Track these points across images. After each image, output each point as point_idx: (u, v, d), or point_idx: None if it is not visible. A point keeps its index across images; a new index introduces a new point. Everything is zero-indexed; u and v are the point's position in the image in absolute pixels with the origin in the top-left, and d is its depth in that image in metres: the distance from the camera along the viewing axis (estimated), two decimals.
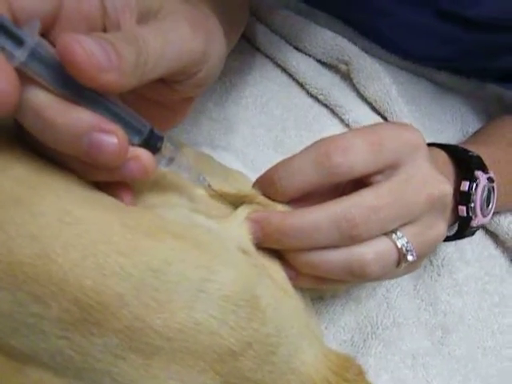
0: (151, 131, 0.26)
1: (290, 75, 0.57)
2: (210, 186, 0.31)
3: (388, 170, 0.30)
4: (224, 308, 0.25)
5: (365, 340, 0.41)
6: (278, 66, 0.58)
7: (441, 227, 0.33)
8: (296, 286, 0.32)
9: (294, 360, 0.28)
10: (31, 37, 0.22)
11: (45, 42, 0.23)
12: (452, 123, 0.62)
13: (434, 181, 0.31)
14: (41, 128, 0.24)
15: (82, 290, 0.22)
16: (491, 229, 0.51)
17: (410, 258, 0.30)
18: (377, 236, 0.30)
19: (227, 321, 0.25)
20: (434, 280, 0.47)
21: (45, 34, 0.25)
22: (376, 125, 0.32)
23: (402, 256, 0.30)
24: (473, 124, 0.62)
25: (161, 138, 0.27)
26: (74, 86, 0.23)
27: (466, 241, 0.48)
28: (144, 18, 0.29)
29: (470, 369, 0.43)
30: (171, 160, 0.28)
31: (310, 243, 0.29)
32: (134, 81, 0.24)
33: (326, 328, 0.41)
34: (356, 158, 0.29)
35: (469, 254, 0.49)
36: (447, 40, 0.66)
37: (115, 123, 0.24)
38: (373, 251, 0.29)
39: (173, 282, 0.24)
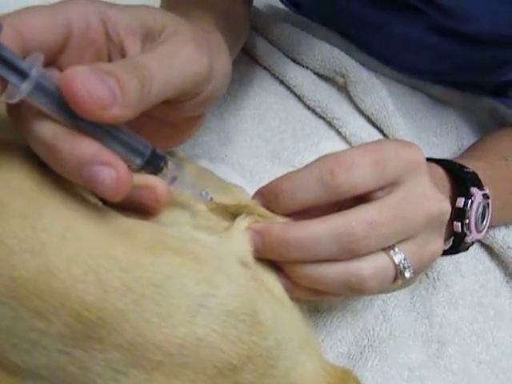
0: (153, 152, 0.27)
1: (288, 87, 0.57)
2: (212, 199, 0.31)
3: (389, 186, 0.31)
4: (225, 322, 0.25)
5: (361, 352, 0.40)
6: (276, 78, 0.58)
7: (438, 244, 0.33)
8: (293, 298, 0.31)
9: (293, 373, 0.28)
10: (36, 69, 0.23)
11: (48, 74, 0.24)
12: (447, 136, 0.63)
13: (434, 199, 0.32)
14: (47, 156, 0.24)
15: (84, 306, 0.22)
16: (486, 242, 0.51)
17: (407, 274, 0.30)
18: (375, 251, 0.30)
19: (228, 335, 0.25)
20: (429, 293, 0.47)
21: (54, 60, 0.26)
22: (379, 142, 0.32)
23: (398, 272, 0.30)
24: (468, 137, 0.63)
25: (163, 158, 0.27)
26: (75, 114, 0.23)
27: (461, 254, 0.47)
28: (148, 38, 0.29)
29: (465, 382, 0.42)
30: (174, 178, 0.29)
31: (310, 255, 0.29)
32: (138, 110, 0.24)
33: (322, 340, 0.40)
34: (359, 177, 0.29)
35: (464, 267, 0.50)
36: (442, 54, 0.67)
37: (116, 147, 0.25)
38: (371, 266, 0.29)
39: (174, 297, 0.24)
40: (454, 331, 0.45)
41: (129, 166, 0.26)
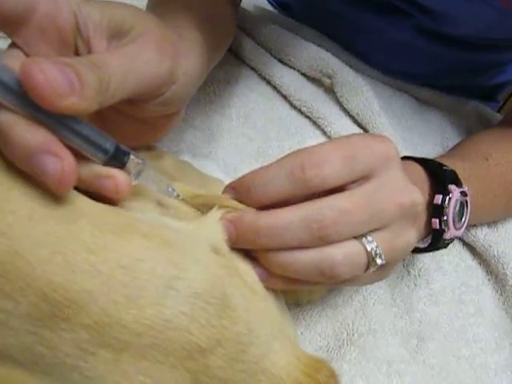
0: (117, 147, 0.27)
1: (275, 87, 0.58)
2: (179, 196, 0.31)
3: (361, 180, 0.31)
4: (194, 305, 0.25)
5: (340, 346, 0.40)
6: (263, 78, 0.59)
7: (410, 235, 0.33)
8: (269, 289, 0.32)
9: (265, 361, 0.28)
10: None
11: (7, 66, 0.24)
12: (432, 137, 0.64)
13: (405, 190, 0.32)
14: (1, 143, 0.25)
15: (51, 286, 0.23)
16: (468, 241, 0.52)
17: (378, 261, 0.31)
18: (347, 239, 0.30)
19: (197, 318, 0.25)
20: (410, 289, 0.47)
21: (14, 31, 0.26)
22: (350, 136, 0.33)
23: (371, 259, 0.31)
24: (452, 138, 0.64)
25: (127, 153, 0.28)
26: (36, 107, 0.23)
27: (443, 252, 0.49)
28: (115, 37, 0.30)
29: (444, 377, 0.43)
30: (139, 173, 0.29)
31: (281, 243, 0.29)
32: (95, 105, 0.25)
33: (302, 334, 0.41)
34: (329, 171, 0.29)
35: (446, 264, 0.50)
36: (429, 57, 0.68)
37: (78, 141, 0.25)
38: (342, 252, 0.30)
39: (142, 278, 0.24)
40: (433, 327, 0.45)
41: (94, 161, 0.27)
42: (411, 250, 0.35)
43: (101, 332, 0.23)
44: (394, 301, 0.46)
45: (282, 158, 0.31)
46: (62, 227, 0.24)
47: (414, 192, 0.33)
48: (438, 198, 0.39)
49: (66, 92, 0.23)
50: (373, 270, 0.32)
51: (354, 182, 0.31)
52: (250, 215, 0.31)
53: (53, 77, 0.22)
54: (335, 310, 0.43)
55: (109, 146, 0.27)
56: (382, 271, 0.34)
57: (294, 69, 0.60)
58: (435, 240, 0.41)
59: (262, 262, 0.31)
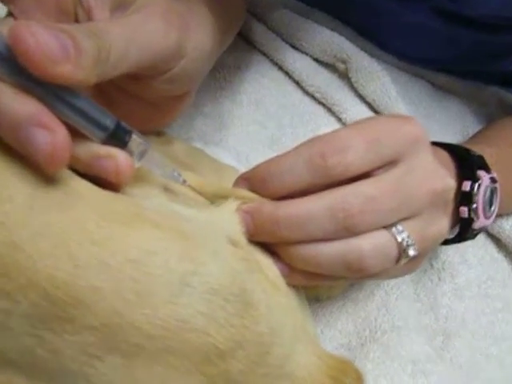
0: (118, 125, 0.25)
1: (287, 73, 0.56)
2: (185, 181, 0.29)
3: (387, 166, 0.29)
4: (211, 303, 0.23)
5: (363, 344, 0.39)
6: (274, 63, 0.56)
7: (443, 223, 0.31)
8: (290, 284, 0.30)
9: (289, 363, 0.26)
10: None
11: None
12: (451, 125, 0.61)
13: (437, 175, 0.30)
14: None
15: (53, 283, 0.20)
16: (493, 232, 0.50)
17: (411, 252, 0.29)
18: (375, 229, 0.28)
19: (215, 317, 0.23)
20: (434, 284, 0.45)
21: (10, 1, 0.24)
22: (372, 119, 0.31)
23: (402, 251, 0.29)
24: (472, 126, 0.61)
25: (129, 132, 0.26)
26: (26, 75, 0.21)
27: (467, 244, 0.47)
28: (118, 8, 0.28)
29: (472, 377, 0.41)
30: (142, 155, 0.27)
31: (304, 234, 0.28)
32: (94, 76, 0.23)
33: (321, 331, 0.39)
34: (352, 158, 0.28)
35: (471, 257, 0.48)
36: (446, 41, 0.65)
37: (74, 117, 0.23)
38: (370, 243, 0.28)
39: (155, 274, 0.22)
40: (460, 324, 0.43)
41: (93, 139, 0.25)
42: (443, 239, 0.33)
43: (109, 334, 0.21)
44: (418, 296, 0.44)
45: (300, 145, 0.29)
46: (64, 216, 0.22)
47: (445, 176, 0.31)
48: (467, 185, 0.37)
49: (60, 58, 0.21)
50: (404, 263, 0.29)
51: (379, 168, 0.29)
52: (269, 205, 0.29)
53: (45, 41, 0.20)
54: (356, 306, 0.41)
55: (109, 122, 0.25)
56: (413, 264, 0.31)
57: (307, 54, 0.58)
58: (463, 230, 0.38)
59: (283, 255, 0.29)
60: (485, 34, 0.63)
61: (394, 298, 0.42)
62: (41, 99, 0.22)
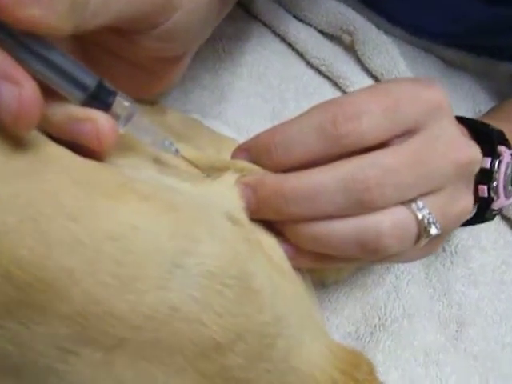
0: (100, 85, 0.23)
1: (290, 45, 0.54)
2: (178, 151, 0.26)
3: (406, 134, 0.27)
4: (207, 288, 0.20)
5: (372, 333, 0.37)
6: (277, 34, 0.54)
7: (467, 199, 0.29)
8: (296, 267, 0.27)
9: (295, 357, 0.23)
10: None
11: None
12: (463, 102, 0.59)
13: (461, 145, 0.28)
14: None
15: (18, 263, 0.18)
16: (508, 215, 0.47)
17: (433, 231, 0.26)
18: (394, 204, 0.26)
19: (212, 304, 0.20)
20: (447, 268, 0.43)
21: None
22: (389, 83, 0.28)
23: (422, 229, 0.26)
24: (485, 103, 0.59)
25: (112, 93, 0.23)
26: None
27: (480, 227, 0.44)
28: None
29: (488, 367, 0.39)
30: (127, 120, 0.24)
31: (314, 210, 0.25)
32: (70, 25, 0.20)
33: (327, 318, 0.37)
34: (368, 126, 0.25)
35: (484, 241, 0.46)
36: (457, 14, 0.63)
37: (48, 73, 0.21)
38: (389, 220, 0.26)
39: (140, 253, 0.19)
40: (474, 311, 0.41)
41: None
42: (467, 217, 0.31)
43: (85, 325, 0.18)
44: (430, 281, 0.42)
45: (309, 111, 0.27)
46: (33, 187, 0.19)
47: (470, 146, 0.29)
48: (487, 162, 0.34)
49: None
50: (424, 243, 0.27)
51: (397, 137, 0.27)
52: (273, 177, 0.26)
53: None
54: (365, 292, 0.39)
55: (89, 81, 0.22)
56: (432, 245, 0.29)
57: (311, 25, 0.55)
58: (482, 210, 0.36)
59: (289, 235, 0.27)
60: (498, 7, 0.61)
61: (405, 282, 0.40)
62: (7, 50, 0.20)
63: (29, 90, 0.19)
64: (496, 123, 0.39)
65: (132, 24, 0.25)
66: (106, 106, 0.23)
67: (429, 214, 0.26)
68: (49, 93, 0.21)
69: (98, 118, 0.22)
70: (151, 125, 0.25)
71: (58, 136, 0.22)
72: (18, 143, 0.20)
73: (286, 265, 0.26)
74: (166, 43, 0.28)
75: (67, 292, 0.18)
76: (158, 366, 0.19)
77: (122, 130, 0.24)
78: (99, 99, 0.22)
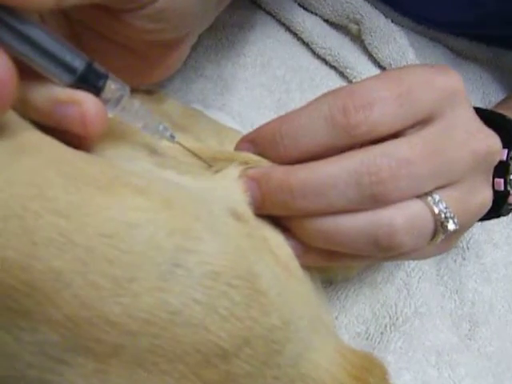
0: (89, 66, 0.21)
1: (295, 34, 0.53)
2: (173, 137, 0.25)
3: (420, 124, 0.26)
4: (211, 289, 0.18)
5: (382, 333, 0.36)
6: (282, 23, 0.53)
7: (487, 193, 0.28)
8: (303, 266, 0.26)
9: (304, 362, 0.22)
10: None
11: None
12: (473, 92, 0.58)
13: (481, 133, 0.27)
14: None
15: (2, 265, 0.16)
16: None
17: (451, 226, 0.25)
18: (408, 198, 0.25)
19: (216, 307, 0.19)
20: (458, 264, 0.42)
21: None
22: (402, 70, 0.27)
23: (439, 224, 0.25)
24: (495, 93, 0.58)
25: (104, 76, 0.22)
26: None
27: (492, 221, 0.44)
28: None
29: (503, 368, 0.38)
30: (117, 102, 0.23)
31: (323, 205, 0.24)
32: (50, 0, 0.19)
33: (336, 318, 0.36)
34: (379, 115, 0.24)
35: (497, 236, 0.45)
36: (467, 2, 0.62)
37: (30, 53, 0.20)
38: (403, 215, 0.24)
39: (136, 252, 0.18)
40: (488, 309, 0.41)
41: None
42: (485, 212, 0.29)
43: (76, 332, 0.17)
44: (441, 278, 0.41)
45: (318, 99, 0.26)
46: (18, 179, 0.17)
47: (489, 136, 0.27)
48: (503, 153, 0.33)
49: None
50: (441, 239, 0.26)
51: (411, 126, 0.25)
52: (280, 170, 0.25)
53: None
54: (374, 289, 0.38)
55: (78, 63, 0.21)
56: (449, 241, 0.28)
57: (317, 14, 0.55)
58: (498, 205, 0.35)
59: (297, 231, 0.26)
60: None
61: (416, 280, 0.39)
62: None
63: (2, 66, 0.18)
64: (509, 114, 0.38)
65: (120, 1, 0.24)
66: (96, 90, 0.21)
67: (446, 208, 0.25)
68: (30, 74, 0.20)
69: (84, 101, 0.21)
70: (143, 108, 0.24)
71: (41, 121, 0.21)
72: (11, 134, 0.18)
73: (294, 263, 0.25)
74: (158, 24, 0.27)
75: (56, 295, 0.16)
76: (156, 374, 0.18)
77: (110, 114, 0.22)
78: (88, 82, 0.21)
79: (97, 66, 0.21)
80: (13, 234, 0.17)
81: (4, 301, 0.16)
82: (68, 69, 0.20)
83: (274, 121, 0.27)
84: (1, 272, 0.16)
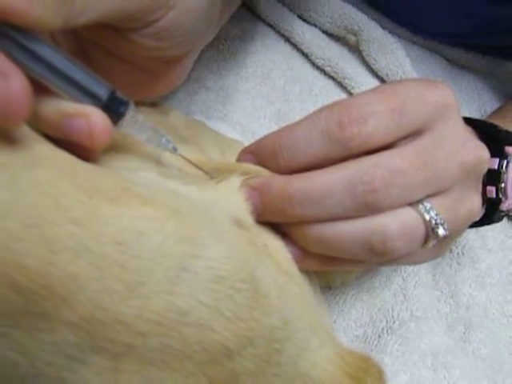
0: (112, 95, 0.22)
1: (295, 45, 0.53)
2: (176, 149, 0.26)
3: (412, 136, 0.27)
4: (217, 292, 0.20)
5: (379, 336, 0.37)
6: (281, 35, 0.54)
7: (475, 200, 0.29)
8: (303, 270, 0.27)
9: (303, 362, 0.22)
10: None
11: None
12: (468, 102, 0.58)
13: (469, 145, 0.27)
14: None
15: (23, 272, 0.17)
16: None
17: (441, 232, 0.26)
18: (400, 206, 0.25)
19: (221, 309, 0.20)
20: (454, 270, 0.43)
21: None
22: (396, 84, 0.28)
23: (430, 231, 0.26)
24: (490, 103, 0.58)
25: (125, 103, 0.23)
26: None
27: (487, 227, 0.44)
28: None
29: (496, 370, 0.39)
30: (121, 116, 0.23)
31: (320, 212, 0.25)
32: (58, 18, 0.20)
33: (334, 322, 0.37)
34: (373, 128, 0.25)
35: (491, 241, 0.45)
36: (463, 13, 0.62)
37: (38, 68, 0.20)
38: (396, 222, 0.25)
39: (146, 258, 0.19)
40: (482, 313, 0.41)
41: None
42: (475, 219, 0.30)
43: (92, 332, 0.18)
44: (437, 283, 0.42)
45: (315, 113, 0.27)
46: (36, 191, 0.18)
47: (478, 147, 0.28)
48: (494, 162, 0.34)
49: None
50: (432, 245, 0.27)
51: (403, 138, 0.26)
52: (279, 180, 0.26)
53: None
54: (372, 294, 0.39)
55: (101, 92, 0.22)
56: (441, 246, 0.29)
57: (315, 26, 0.55)
58: (490, 212, 0.35)
59: (296, 237, 0.27)
60: (503, 6, 0.60)
61: (412, 285, 0.40)
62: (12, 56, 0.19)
63: (17, 82, 0.18)
64: (503, 124, 0.39)
65: (125, 21, 0.25)
66: (118, 116, 0.22)
67: (436, 215, 0.26)
68: (39, 88, 0.20)
69: (91, 114, 0.22)
70: (147, 121, 0.24)
71: (50, 133, 0.22)
72: (12, 144, 0.19)
73: (293, 268, 0.26)
74: (162, 42, 0.27)
75: (72, 299, 0.17)
76: (166, 371, 0.19)
77: (115, 127, 0.23)
78: (112, 110, 0.22)
79: (102, 82, 0.22)
80: (32, 242, 0.17)
81: (24, 304, 0.17)
82: (74, 84, 0.21)
83: (273, 133, 0.28)
84: (21, 277, 0.17)
